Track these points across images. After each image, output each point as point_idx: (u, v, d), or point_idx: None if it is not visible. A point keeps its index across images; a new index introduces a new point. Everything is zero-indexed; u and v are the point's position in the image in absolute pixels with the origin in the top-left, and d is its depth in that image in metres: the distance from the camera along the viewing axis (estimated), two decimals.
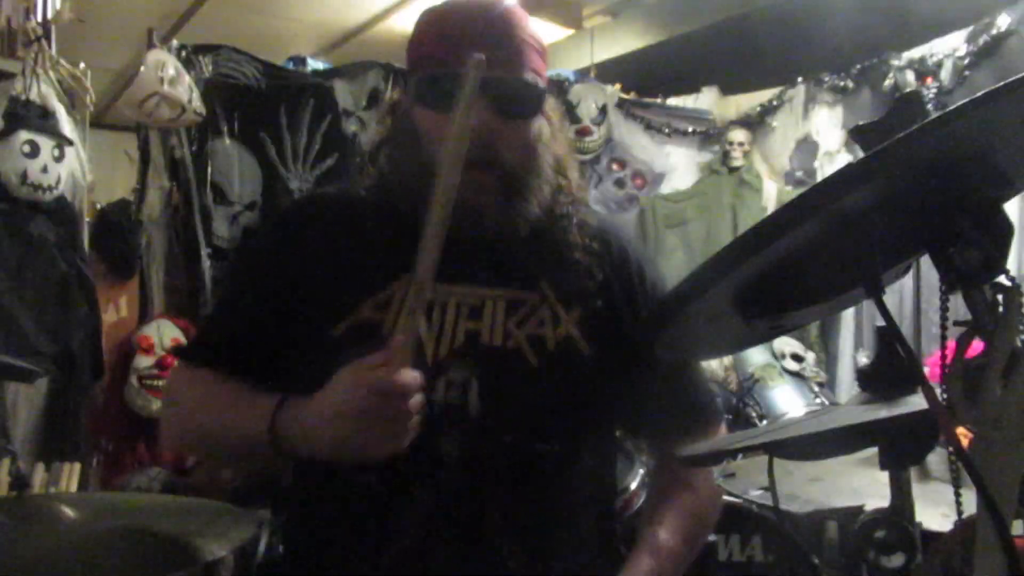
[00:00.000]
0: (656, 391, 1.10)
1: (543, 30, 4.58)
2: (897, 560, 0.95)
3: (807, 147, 3.97)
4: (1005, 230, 0.64)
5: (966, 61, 3.41)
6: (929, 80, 3.51)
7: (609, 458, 1.17)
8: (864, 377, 0.93)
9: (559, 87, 3.77)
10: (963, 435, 0.65)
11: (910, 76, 3.55)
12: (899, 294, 3.21)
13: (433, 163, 0.96)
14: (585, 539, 1.08)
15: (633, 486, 1.91)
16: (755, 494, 1.70)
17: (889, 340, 0.89)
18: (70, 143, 2.58)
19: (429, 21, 1.06)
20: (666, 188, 4.18)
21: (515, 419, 1.02)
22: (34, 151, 2.46)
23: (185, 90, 2.79)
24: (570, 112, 3.78)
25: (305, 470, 1.07)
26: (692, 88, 4.33)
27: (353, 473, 0.96)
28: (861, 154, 0.60)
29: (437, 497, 0.98)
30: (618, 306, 1.10)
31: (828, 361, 3.76)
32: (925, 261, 0.71)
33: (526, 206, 1.04)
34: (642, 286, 1.14)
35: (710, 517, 1.18)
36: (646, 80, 4.54)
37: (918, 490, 1.01)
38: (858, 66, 3.80)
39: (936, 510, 1.33)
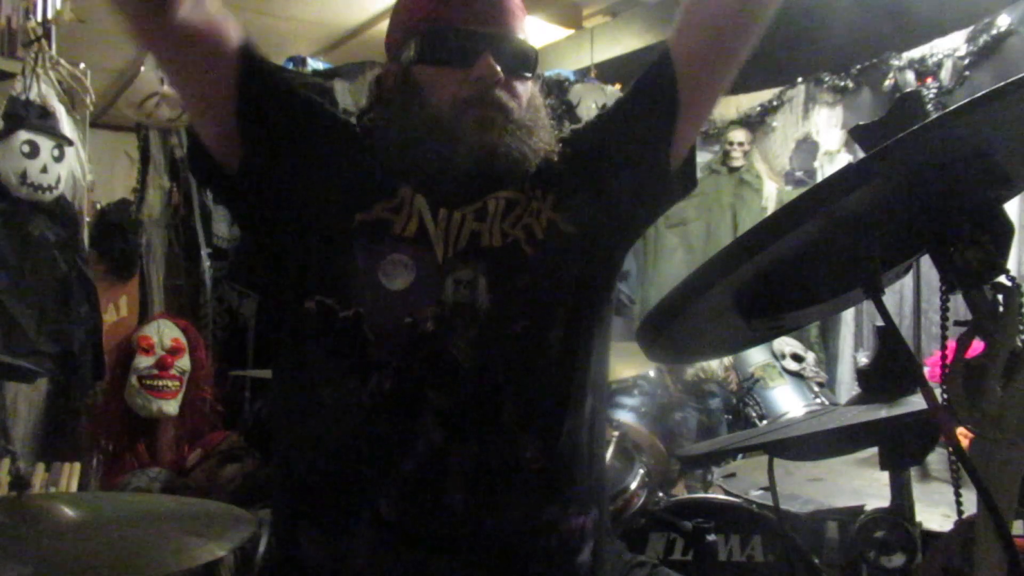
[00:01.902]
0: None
1: (543, 30, 4.58)
2: (897, 560, 0.95)
3: (807, 147, 3.97)
4: (1005, 230, 0.64)
5: (966, 61, 3.41)
6: (929, 80, 3.51)
7: (605, 342, 1.17)
8: (864, 377, 0.93)
9: (559, 87, 3.77)
10: (963, 435, 0.65)
11: (910, 76, 3.55)
12: (899, 294, 3.21)
13: (437, 112, 1.05)
14: (587, 423, 1.11)
15: (633, 486, 1.91)
16: (755, 494, 1.71)
17: (889, 340, 0.89)
18: (70, 143, 2.58)
19: None
20: None
21: (521, 308, 1.06)
22: (34, 151, 2.46)
23: None
24: (570, 112, 3.78)
25: (323, 384, 1.07)
26: None
27: (371, 380, 1.00)
28: (861, 154, 0.60)
29: (453, 397, 1.01)
30: (587, 172, 1.15)
31: (828, 361, 3.76)
32: (925, 261, 0.71)
33: (527, 145, 1.09)
34: (602, 129, 1.20)
35: None
36: None
37: (918, 490, 1.01)
38: (858, 66, 3.80)
39: (936, 510, 1.33)
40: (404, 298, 1.02)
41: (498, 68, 1.04)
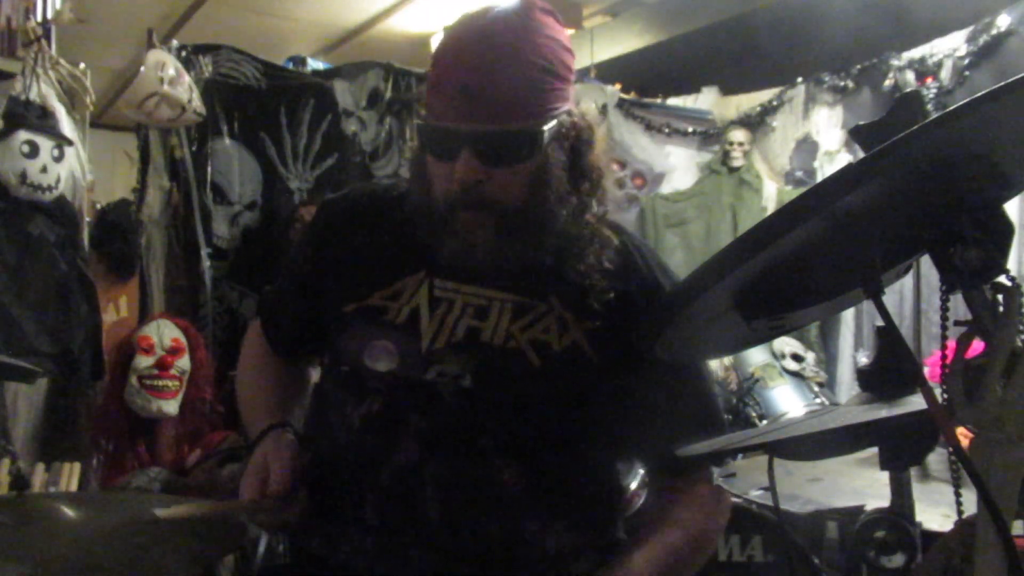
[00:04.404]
0: (661, 410, 1.11)
1: None
2: (897, 560, 0.95)
3: (807, 147, 3.97)
4: (1005, 230, 0.64)
5: (966, 61, 3.41)
6: (929, 80, 3.51)
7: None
8: (864, 377, 0.93)
9: None
10: (963, 435, 0.65)
11: (910, 76, 3.55)
12: (899, 294, 3.21)
13: (437, 205, 1.07)
14: (584, 459, 1.11)
15: (633, 486, 1.91)
16: (755, 494, 1.71)
17: (889, 340, 0.89)
18: (70, 143, 2.58)
19: (432, 65, 1.09)
20: (666, 188, 4.18)
21: (511, 410, 1.07)
22: (33, 151, 2.46)
23: (185, 90, 2.79)
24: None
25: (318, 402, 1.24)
26: (692, 88, 4.33)
27: (364, 404, 1.10)
28: (861, 154, 0.60)
29: (432, 420, 1.06)
30: (631, 328, 1.08)
31: (828, 361, 3.76)
32: (925, 261, 0.71)
33: (525, 243, 1.07)
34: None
35: (706, 543, 1.15)
36: (646, 80, 4.54)
37: (918, 490, 1.01)
38: (858, 66, 3.80)
39: (936, 510, 1.33)
40: (387, 377, 1.10)
41: (475, 169, 1.02)
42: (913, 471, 1.00)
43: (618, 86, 4.16)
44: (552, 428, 1.08)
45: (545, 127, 1.04)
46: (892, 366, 0.90)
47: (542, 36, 1.05)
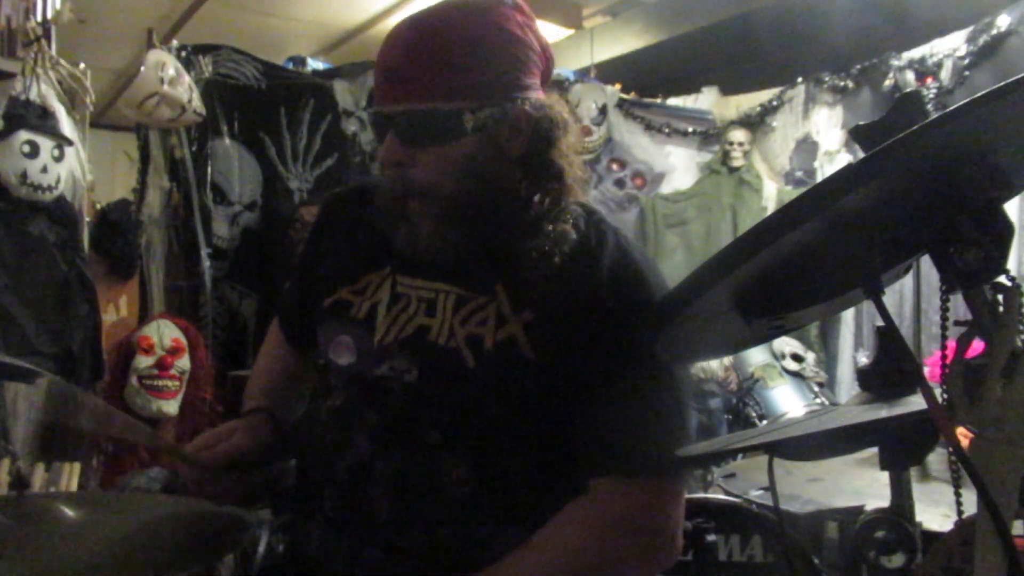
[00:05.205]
0: (605, 409, 1.04)
1: (543, 30, 4.61)
2: (897, 560, 0.95)
3: (807, 147, 3.97)
4: (1005, 230, 0.64)
5: (966, 61, 3.41)
6: (929, 80, 3.51)
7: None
8: (864, 377, 0.93)
9: (559, 87, 3.77)
10: (963, 435, 0.65)
11: (910, 76, 3.55)
12: (899, 294, 3.21)
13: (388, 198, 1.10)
14: (539, 457, 1.07)
15: None
16: (755, 494, 1.71)
17: (889, 340, 0.89)
18: (70, 143, 2.58)
19: None
20: (666, 188, 4.18)
21: (452, 409, 1.06)
22: (34, 151, 2.46)
23: (185, 90, 2.79)
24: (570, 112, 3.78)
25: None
26: (692, 88, 4.33)
27: (330, 399, 1.14)
28: (861, 154, 0.60)
29: (383, 415, 1.08)
30: (582, 321, 1.04)
31: (828, 361, 3.77)
32: (925, 261, 0.71)
33: (464, 232, 1.06)
34: (615, 311, 1.06)
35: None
36: (646, 80, 4.54)
37: (918, 490, 1.01)
38: (858, 66, 3.80)
39: (936, 510, 1.33)
40: (348, 371, 1.13)
41: (398, 152, 1.04)
42: (913, 471, 1.00)
43: (618, 86, 4.16)
44: (497, 427, 1.05)
45: (468, 109, 1.01)
46: (892, 366, 0.90)
47: (482, 24, 1.03)
